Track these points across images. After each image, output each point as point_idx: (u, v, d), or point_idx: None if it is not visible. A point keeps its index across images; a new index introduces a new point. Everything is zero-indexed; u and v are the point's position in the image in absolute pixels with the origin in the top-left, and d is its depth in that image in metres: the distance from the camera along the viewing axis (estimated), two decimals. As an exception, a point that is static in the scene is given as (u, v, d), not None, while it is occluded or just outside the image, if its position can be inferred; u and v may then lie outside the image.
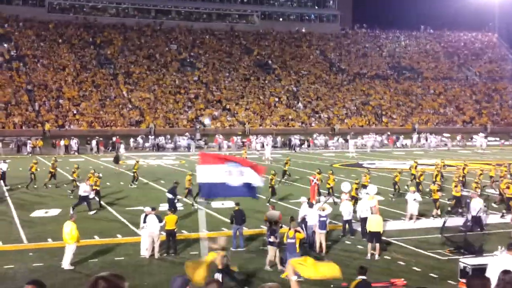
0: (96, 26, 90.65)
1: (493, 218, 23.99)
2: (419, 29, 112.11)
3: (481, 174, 29.83)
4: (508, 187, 25.46)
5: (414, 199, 23.11)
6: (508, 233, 20.60)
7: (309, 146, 64.62)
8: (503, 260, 11.09)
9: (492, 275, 10.80)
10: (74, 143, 58.15)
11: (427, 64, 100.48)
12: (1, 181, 33.08)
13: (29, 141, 57.27)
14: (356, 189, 24.96)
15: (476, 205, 21.73)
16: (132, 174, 34.51)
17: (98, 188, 26.83)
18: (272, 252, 16.58)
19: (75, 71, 77.26)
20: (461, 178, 30.35)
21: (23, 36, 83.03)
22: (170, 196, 24.06)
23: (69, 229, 16.79)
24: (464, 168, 33.87)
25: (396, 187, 29.53)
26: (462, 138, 69.93)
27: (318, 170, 28.73)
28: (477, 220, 21.33)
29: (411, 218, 23.13)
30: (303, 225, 18.41)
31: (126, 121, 69.07)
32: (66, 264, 16.68)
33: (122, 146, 56.31)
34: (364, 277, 11.65)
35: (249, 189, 14.60)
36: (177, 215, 19.30)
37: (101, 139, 59.49)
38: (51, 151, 56.06)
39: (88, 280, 3.55)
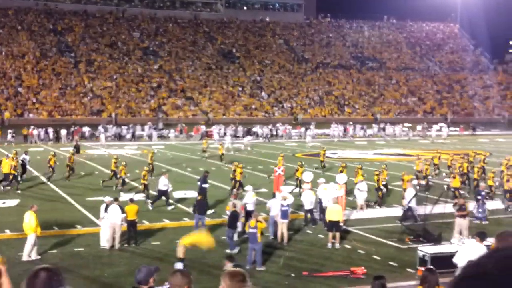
0: (57, 13, 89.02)
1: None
2: (382, 19, 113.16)
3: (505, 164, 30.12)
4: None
5: (358, 189, 23.24)
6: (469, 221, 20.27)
7: (277, 135, 64.38)
8: (472, 247, 11.36)
9: (460, 261, 11.08)
10: (50, 131, 56.59)
11: (390, 54, 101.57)
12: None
13: (9, 130, 55.09)
14: (378, 180, 24.62)
15: (408, 195, 21.52)
16: (149, 166, 33.29)
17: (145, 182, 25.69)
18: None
19: (35, 58, 75.81)
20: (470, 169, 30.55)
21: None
22: (205, 185, 23.42)
23: (28, 219, 16.56)
24: (484, 159, 33.35)
25: (429, 177, 29.46)
26: (422, 128, 70.77)
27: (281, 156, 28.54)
28: (409, 210, 21.22)
29: (368, 206, 23.50)
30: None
31: (87, 110, 68.13)
32: (25, 255, 16.42)
33: (103, 135, 55.50)
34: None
35: None
36: (137, 205, 19.12)
37: (76, 127, 57.97)
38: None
39: (29, 272, 3.64)
